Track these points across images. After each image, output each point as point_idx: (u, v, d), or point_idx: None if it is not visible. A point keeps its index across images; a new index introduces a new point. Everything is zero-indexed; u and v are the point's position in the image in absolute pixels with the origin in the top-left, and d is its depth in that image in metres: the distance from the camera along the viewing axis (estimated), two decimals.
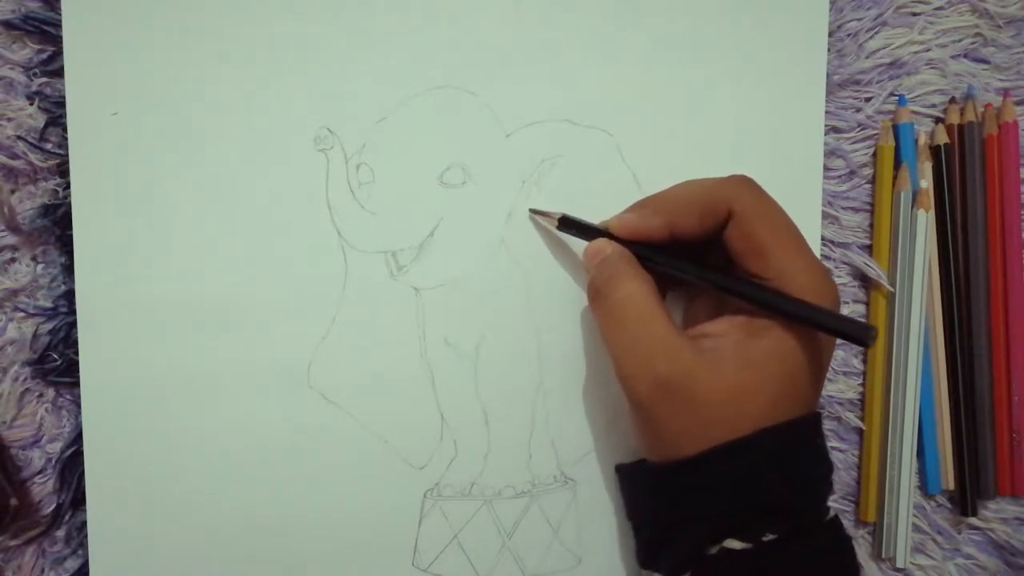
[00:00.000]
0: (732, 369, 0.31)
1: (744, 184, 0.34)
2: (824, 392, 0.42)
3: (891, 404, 0.42)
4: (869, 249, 0.42)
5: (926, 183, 0.41)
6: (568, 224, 0.37)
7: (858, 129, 0.42)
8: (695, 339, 0.33)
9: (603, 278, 0.34)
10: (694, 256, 0.35)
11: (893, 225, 0.42)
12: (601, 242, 0.35)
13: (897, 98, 0.42)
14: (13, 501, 0.37)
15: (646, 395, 0.32)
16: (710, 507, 0.31)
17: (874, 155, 0.42)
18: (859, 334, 0.30)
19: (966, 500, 0.42)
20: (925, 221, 0.41)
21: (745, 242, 0.33)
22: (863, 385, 0.43)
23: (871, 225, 0.42)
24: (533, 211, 0.38)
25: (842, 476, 0.43)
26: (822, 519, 0.32)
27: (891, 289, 0.42)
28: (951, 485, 0.43)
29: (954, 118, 0.42)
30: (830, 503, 0.34)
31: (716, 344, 0.32)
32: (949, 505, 0.44)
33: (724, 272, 0.34)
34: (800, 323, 0.31)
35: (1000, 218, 0.42)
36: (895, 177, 0.42)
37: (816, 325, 0.31)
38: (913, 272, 0.41)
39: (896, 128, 0.42)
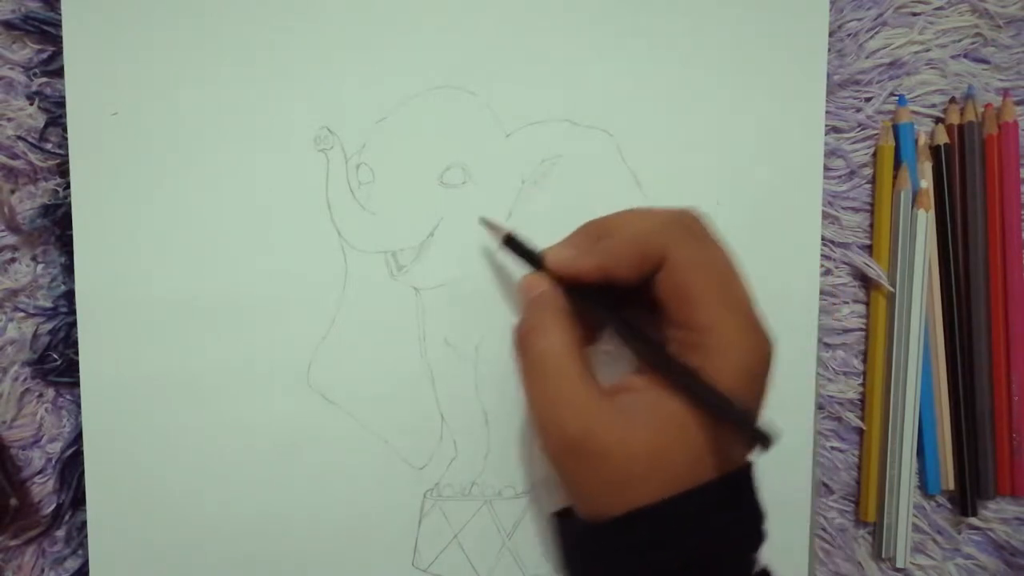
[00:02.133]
0: (646, 428, 0.30)
1: (684, 229, 0.32)
2: (824, 392, 0.42)
3: (891, 404, 0.42)
4: (869, 249, 0.42)
5: (926, 183, 0.41)
6: (512, 244, 0.36)
7: (858, 129, 0.42)
8: (615, 394, 0.31)
9: (525, 328, 0.33)
10: (630, 294, 0.33)
11: (893, 225, 0.42)
12: (534, 279, 0.34)
13: (897, 98, 0.42)
14: (13, 501, 0.37)
15: (555, 453, 0.31)
16: (626, 570, 0.30)
17: (874, 155, 0.42)
18: (762, 435, 0.28)
19: (966, 500, 0.42)
20: (925, 221, 0.41)
21: (672, 291, 0.31)
22: (863, 385, 0.43)
23: (871, 225, 0.42)
24: (484, 219, 0.37)
25: (842, 476, 0.43)
26: (749, 573, 0.31)
27: (891, 289, 0.42)
28: (951, 485, 0.43)
29: (954, 118, 0.42)
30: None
31: (633, 401, 0.31)
32: (949, 505, 0.43)
33: (634, 328, 0.32)
34: (694, 400, 0.30)
35: (1000, 218, 0.42)
36: (895, 177, 0.42)
37: (721, 415, 0.29)
38: (913, 272, 0.41)
39: (896, 128, 0.42)
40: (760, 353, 0.31)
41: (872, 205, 0.42)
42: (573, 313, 0.33)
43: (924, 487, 0.43)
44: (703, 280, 0.31)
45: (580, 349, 0.32)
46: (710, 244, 0.32)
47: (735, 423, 0.29)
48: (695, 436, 0.30)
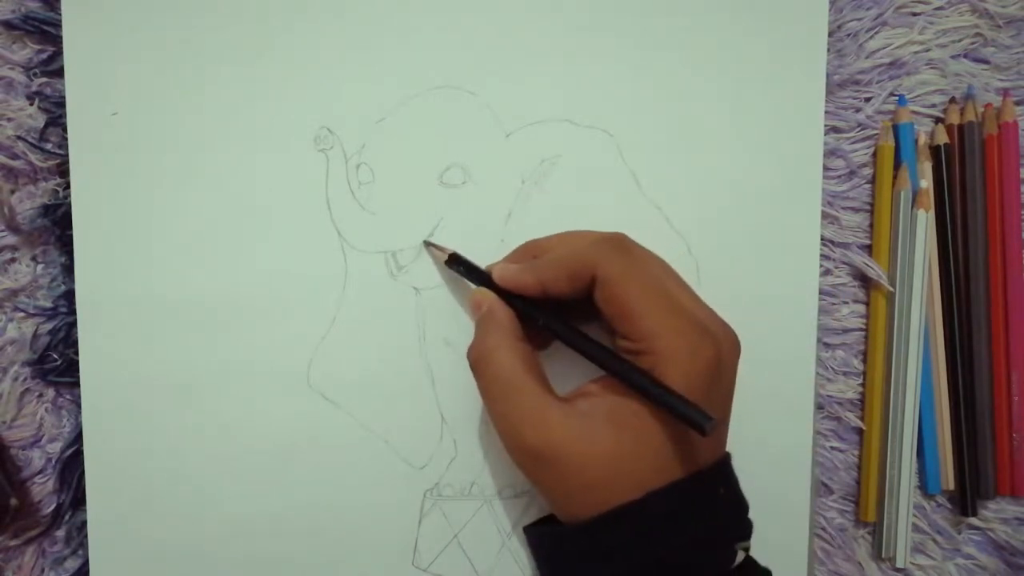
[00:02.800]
0: (606, 432, 0.31)
1: (612, 247, 0.33)
2: (824, 392, 0.42)
3: (891, 404, 0.42)
4: (869, 249, 0.42)
5: (926, 183, 0.41)
6: (457, 262, 0.37)
7: (858, 129, 0.42)
8: (574, 401, 0.32)
9: (476, 352, 0.34)
10: (580, 309, 0.34)
11: (893, 225, 0.42)
12: (480, 293, 0.36)
13: (897, 98, 0.42)
14: (13, 501, 0.37)
15: (522, 465, 0.33)
16: (604, 571, 0.31)
17: (874, 155, 0.42)
18: (696, 420, 0.29)
19: (966, 500, 0.42)
20: (925, 221, 0.41)
21: (610, 306, 0.32)
22: (863, 385, 0.43)
23: (871, 225, 0.42)
24: (427, 243, 0.38)
25: (842, 476, 0.43)
26: (727, 567, 0.32)
27: (891, 289, 0.42)
28: (951, 485, 0.43)
29: (954, 118, 0.42)
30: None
31: (592, 406, 0.32)
32: (949, 505, 0.43)
33: (578, 333, 0.33)
34: (643, 397, 0.31)
35: (1000, 218, 0.42)
36: (895, 177, 0.42)
37: (657, 402, 0.30)
38: (913, 272, 0.41)
39: (896, 128, 0.42)
40: (710, 351, 0.31)
41: (872, 205, 0.42)
42: (522, 326, 0.34)
43: (924, 487, 0.43)
44: (637, 290, 0.32)
45: (532, 362, 0.33)
46: (640, 257, 0.33)
47: (675, 412, 0.29)
48: (657, 436, 0.31)
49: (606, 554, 0.31)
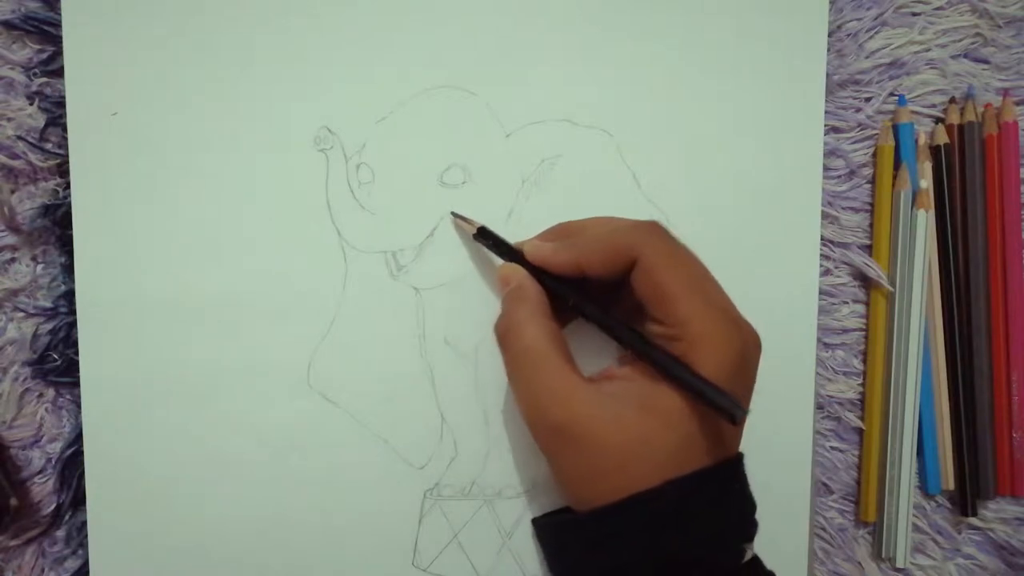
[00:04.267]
0: (632, 416, 0.30)
1: (651, 230, 0.33)
2: (824, 392, 0.42)
3: (891, 404, 0.42)
4: (869, 249, 0.42)
5: (926, 183, 0.41)
6: (486, 236, 0.37)
7: (858, 129, 0.42)
8: (599, 383, 0.32)
9: (505, 324, 0.34)
10: (610, 292, 0.34)
11: (893, 225, 0.42)
12: (510, 268, 0.35)
13: (897, 98, 0.42)
14: (13, 501, 0.37)
15: (544, 442, 0.32)
16: (612, 562, 0.31)
17: (874, 155, 0.42)
18: (728, 408, 0.29)
19: (966, 500, 0.42)
20: (925, 221, 0.41)
21: (648, 289, 0.32)
22: (863, 385, 0.43)
23: (871, 225, 0.42)
24: (455, 214, 0.38)
25: (842, 476, 0.43)
26: (737, 564, 0.31)
27: (891, 289, 0.42)
28: (951, 485, 0.43)
29: (954, 118, 0.42)
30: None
31: (619, 389, 0.32)
32: (949, 505, 0.43)
33: (612, 315, 0.33)
34: (674, 383, 0.31)
35: (1000, 218, 0.42)
36: (895, 177, 0.42)
37: (690, 388, 0.30)
38: (913, 272, 0.41)
39: (896, 128, 0.42)
40: (740, 343, 0.31)
41: (872, 205, 0.42)
42: (550, 304, 0.34)
43: (924, 487, 0.43)
44: (676, 276, 0.32)
45: (560, 339, 0.33)
46: (676, 244, 0.33)
47: (708, 400, 0.29)
48: (681, 423, 0.30)
49: (617, 542, 0.31)
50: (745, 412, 0.29)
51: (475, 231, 0.37)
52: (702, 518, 0.30)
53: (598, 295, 0.34)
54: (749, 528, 0.33)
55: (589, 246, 0.33)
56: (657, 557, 0.30)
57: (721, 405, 0.29)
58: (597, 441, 0.30)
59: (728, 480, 0.32)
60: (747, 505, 0.33)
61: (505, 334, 0.34)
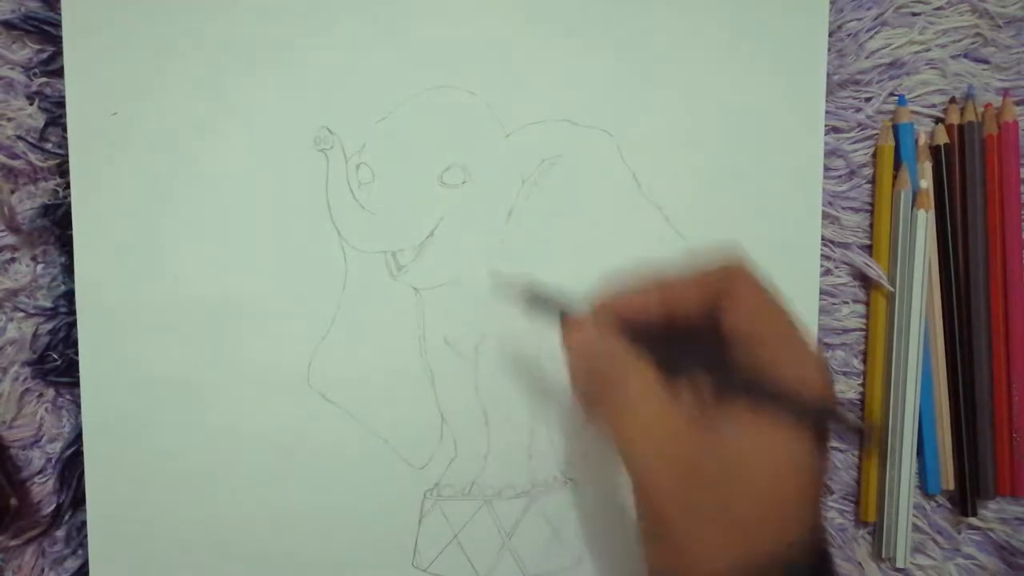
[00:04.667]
0: (756, 454, 0.28)
1: (739, 272, 0.31)
2: None
3: (891, 404, 0.42)
4: (869, 249, 0.42)
5: (926, 183, 0.41)
6: (535, 299, 0.33)
7: (858, 129, 0.42)
8: (709, 417, 0.29)
9: (603, 371, 0.30)
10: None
11: (893, 225, 0.42)
12: (578, 325, 0.32)
13: (897, 98, 0.42)
14: (13, 502, 0.37)
15: (674, 507, 0.28)
16: None
17: (874, 155, 0.42)
18: (858, 428, 0.27)
19: (966, 500, 0.42)
20: (925, 221, 0.41)
21: (738, 329, 0.30)
22: (863, 385, 0.43)
23: (871, 225, 0.42)
24: (494, 274, 0.37)
25: (842, 476, 0.43)
26: None
27: (891, 289, 0.42)
28: (951, 485, 0.43)
29: (954, 118, 0.42)
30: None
31: (734, 427, 0.28)
32: (949, 505, 0.43)
33: (718, 363, 0.30)
34: (791, 417, 0.28)
35: (1000, 218, 0.42)
36: (895, 177, 0.42)
37: (808, 418, 0.28)
38: (913, 272, 0.41)
39: (896, 128, 0.42)
40: (819, 387, 0.29)
41: (872, 205, 0.42)
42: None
43: (924, 487, 0.43)
44: (773, 317, 0.30)
45: (661, 384, 0.30)
46: (762, 285, 0.31)
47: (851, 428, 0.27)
48: (798, 486, 0.28)
49: None
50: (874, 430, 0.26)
51: (526, 298, 0.33)
52: None
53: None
54: None
55: (682, 289, 0.31)
56: None
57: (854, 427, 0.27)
58: (730, 502, 0.27)
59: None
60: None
61: (606, 378, 0.30)
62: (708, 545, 0.27)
